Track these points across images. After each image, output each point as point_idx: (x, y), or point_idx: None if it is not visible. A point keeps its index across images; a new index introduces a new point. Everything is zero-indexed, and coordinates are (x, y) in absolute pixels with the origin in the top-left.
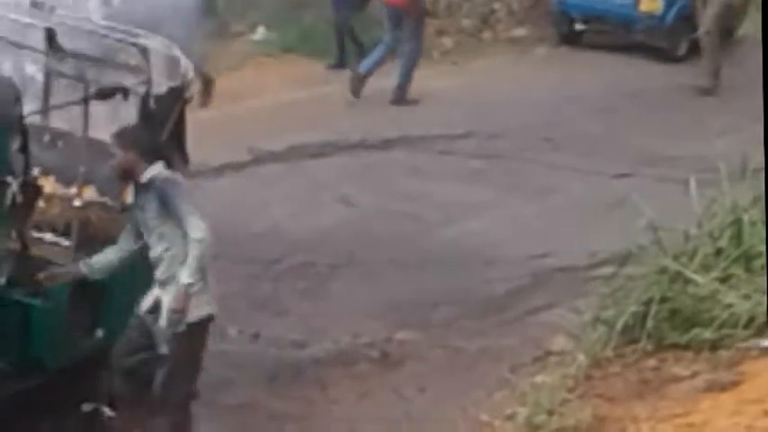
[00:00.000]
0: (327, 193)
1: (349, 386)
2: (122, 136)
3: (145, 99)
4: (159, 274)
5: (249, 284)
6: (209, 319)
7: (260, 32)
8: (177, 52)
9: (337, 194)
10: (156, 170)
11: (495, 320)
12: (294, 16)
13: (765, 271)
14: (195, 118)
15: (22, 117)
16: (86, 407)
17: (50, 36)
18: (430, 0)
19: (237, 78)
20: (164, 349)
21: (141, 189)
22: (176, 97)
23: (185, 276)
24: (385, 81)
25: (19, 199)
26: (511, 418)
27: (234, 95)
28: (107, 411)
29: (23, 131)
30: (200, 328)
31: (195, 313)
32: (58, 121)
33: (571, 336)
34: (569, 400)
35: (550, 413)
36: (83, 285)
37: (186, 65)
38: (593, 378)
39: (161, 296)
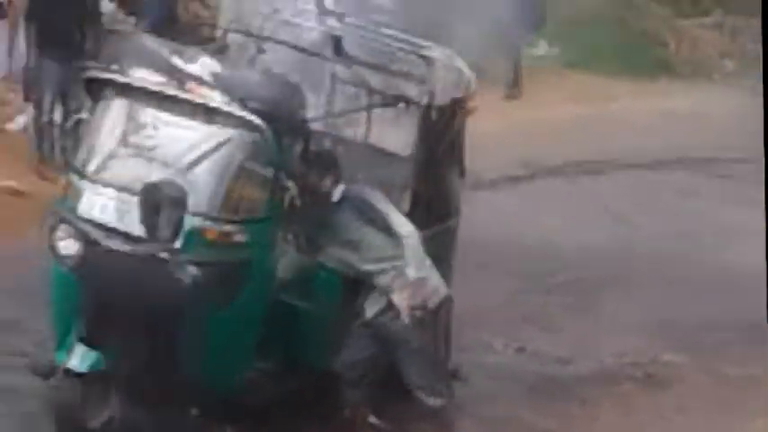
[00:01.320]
0: (600, 210)
1: (610, 405)
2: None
3: (427, 109)
4: (382, 281)
5: (518, 297)
6: (448, 300)
7: (542, 47)
8: (461, 63)
9: (610, 211)
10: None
11: (765, 349)
12: (577, 32)
13: None
14: (473, 130)
15: (306, 121)
16: (348, 412)
17: (337, 43)
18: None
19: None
20: (413, 345)
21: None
22: (458, 109)
23: (413, 272)
24: (668, 102)
25: (297, 203)
26: None
27: (512, 108)
28: (373, 418)
29: (306, 135)
30: (443, 311)
31: (434, 300)
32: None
33: None
34: None
35: None
36: (354, 284)
37: (469, 76)
38: None
39: (392, 298)
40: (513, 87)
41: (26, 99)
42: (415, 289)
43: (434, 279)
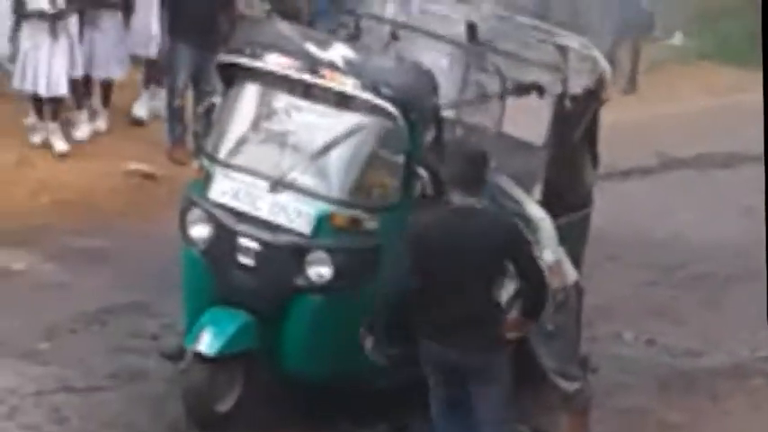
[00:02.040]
0: (732, 204)
1: (742, 399)
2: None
3: (560, 98)
4: None
5: (648, 290)
6: (579, 286)
7: (677, 38)
8: (596, 53)
9: (742, 205)
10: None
11: None
12: (712, 23)
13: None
14: (606, 120)
15: (438, 109)
16: None
17: (471, 30)
18: None
19: (650, 83)
20: (549, 328)
21: None
22: (592, 98)
23: (549, 255)
24: None
25: (429, 190)
26: None
27: (645, 100)
28: None
29: (439, 123)
30: (575, 296)
31: (569, 280)
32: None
33: None
34: None
35: None
36: None
37: (604, 66)
38: None
39: None
40: (629, 83)
41: (146, 84)
42: (553, 272)
43: (566, 263)
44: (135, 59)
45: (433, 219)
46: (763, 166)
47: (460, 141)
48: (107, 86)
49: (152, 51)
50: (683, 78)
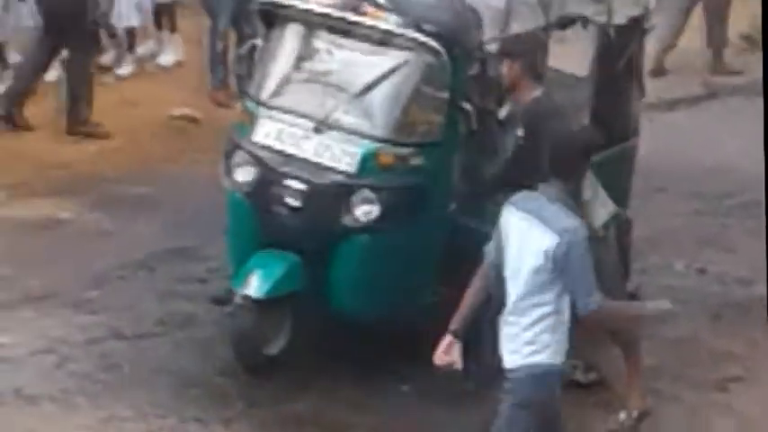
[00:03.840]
0: None
1: None
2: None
3: (604, 29)
4: None
5: (697, 220)
6: (620, 219)
7: None
8: None
9: None
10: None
11: None
12: None
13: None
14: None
15: (482, 44)
16: None
17: None
18: None
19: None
20: None
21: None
22: (636, 28)
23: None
24: None
25: (474, 126)
26: None
27: (691, 27)
28: None
29: (483, 59)
30: (614, 228)
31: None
32: None
33: None
34: None
35: None
36: None
37: None
38: None
39: None
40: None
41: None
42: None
43: (603, 198)
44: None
45: None
46: (764, 162)
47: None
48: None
49: None
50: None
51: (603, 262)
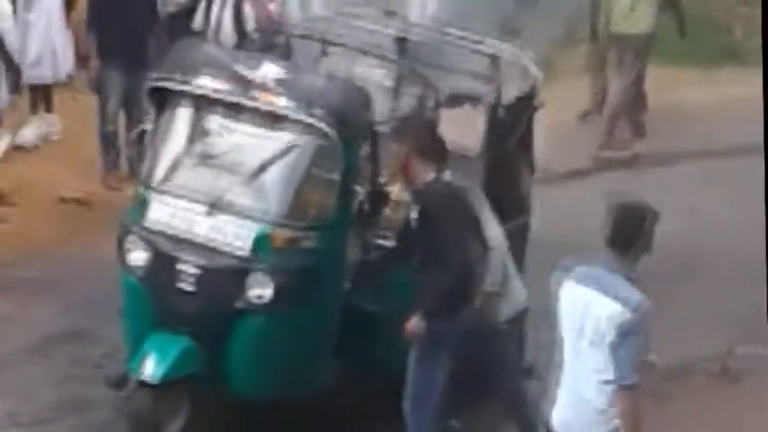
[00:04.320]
0: (670, 202)
1: (687, 400)
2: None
3: (494, 107)
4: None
5: None
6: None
7: None
8: (527, 60)
9: (681, 203)
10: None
11: None
12: None
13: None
14: (541, 125)
15: (373, 124)
16: None
17: (401, 44)
18: None
19: (584, 84)
20: None
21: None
22: (525, 106)
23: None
24: (734, 89)
25: (366, 207)
26: None
27: (580, 100)
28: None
29: (374, 139)
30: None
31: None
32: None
33: None
34: None
35: None
36: None
37: (536, 73)
38: None
39: None
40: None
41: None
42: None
43: (515, 287)
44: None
45: None
46: (764, 162)
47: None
48: None
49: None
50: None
51: (502, 355)
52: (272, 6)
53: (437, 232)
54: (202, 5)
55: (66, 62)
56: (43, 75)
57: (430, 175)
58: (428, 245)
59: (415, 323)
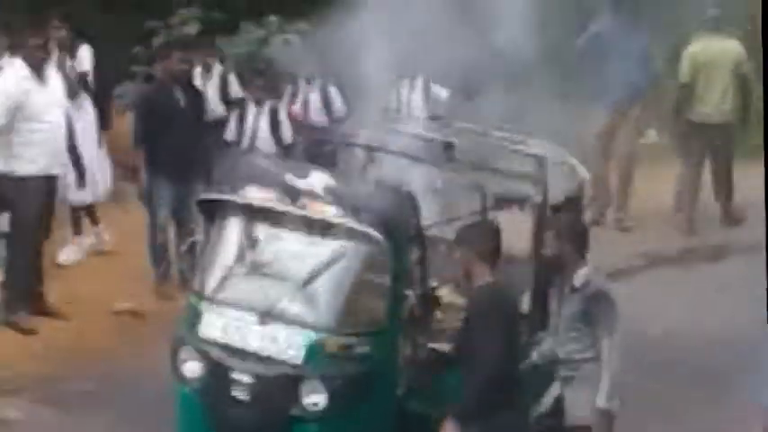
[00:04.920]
0: (724, 297)
1: None
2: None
3: (541, 208)
4: (565, 371)
5: (644, 389)
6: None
7: (652, 135)
8: (573, 160)
9: (734, 297)
10: (584, 274)
11: None
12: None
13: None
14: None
15: (421, 228)
16: None
17: (448, 148)
18: None
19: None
20: None
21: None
22: (573, 206)
23: (602, 400)
24: None
25: (417, 311)
26: None
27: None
28: None
29: (422, 243)
30: None
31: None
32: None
33: None
34: None
35: None
36: None
37: (583, 173)
38: None
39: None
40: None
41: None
42: (597, 418)
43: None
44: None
45: None
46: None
47: None
48: None
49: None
50: (661, 174)
51: None
52: (295, 108)
53: (478, 333)
54: (235, 116)
55: (104, 181)
56: (83, 196)
57: (487, 279)
58: (468, 345)
59: (448, 426)
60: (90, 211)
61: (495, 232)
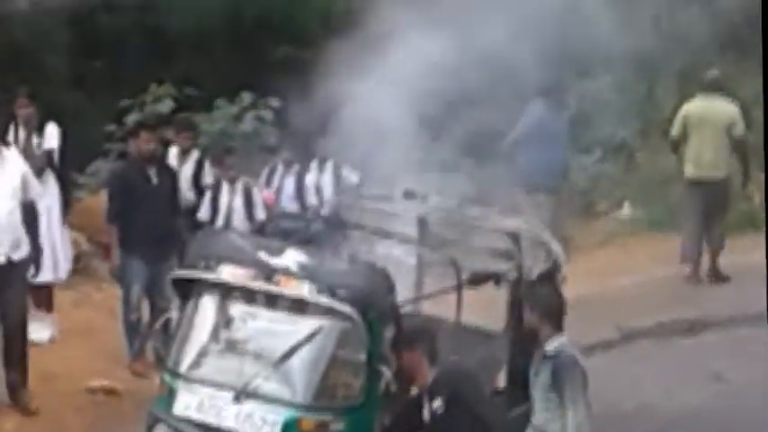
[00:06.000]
0: (698, 370)
1: None
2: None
3: (516, 284)
4: None
5: None
6: None
7: (626, 210)
8: (547, 235)
9: (709, 371)
10: (558, 341)
11: None
12: (661, 192)
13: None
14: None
15: (396, 306)
16: None
17: (422, 225)
18: None
19: (604, 256)
20: None
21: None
22: (548, 281)
23: None
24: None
25: (392, 388)
26: None
27: (601, 274)
28: None
29: (397, 321)
30: None
31: None
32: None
33: None
34: None
35: None
36: None
37: (557, 248)
38: None
39: None
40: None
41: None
42: None
43: None
44: None
45: None
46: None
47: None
48: None
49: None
50: (636, 249)
51: None
52: (266, 192)
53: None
54: (207, 197)
55: (66, 261)
56: (44, 276)
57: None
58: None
59: None
60: (48, 294)
61: (437, 329)
